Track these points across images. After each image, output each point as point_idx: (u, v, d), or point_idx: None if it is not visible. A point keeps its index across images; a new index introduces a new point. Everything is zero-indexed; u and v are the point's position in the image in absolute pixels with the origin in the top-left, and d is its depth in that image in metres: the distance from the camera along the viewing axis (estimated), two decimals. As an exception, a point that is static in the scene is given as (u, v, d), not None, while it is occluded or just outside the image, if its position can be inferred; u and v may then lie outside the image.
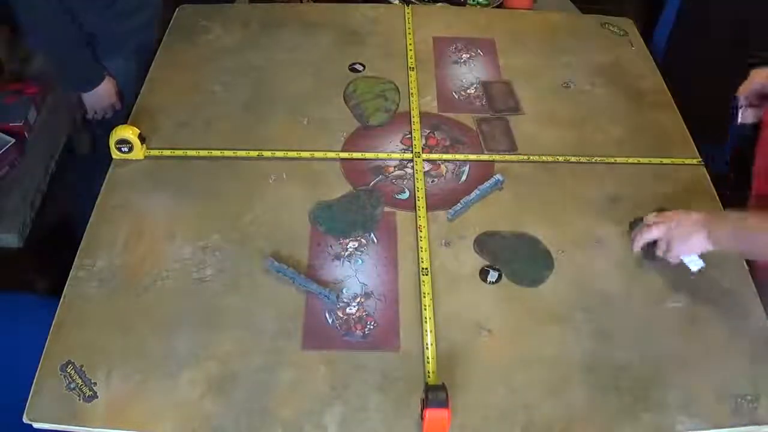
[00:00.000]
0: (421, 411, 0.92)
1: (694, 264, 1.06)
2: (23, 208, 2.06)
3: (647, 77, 1.54)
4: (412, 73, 1.49)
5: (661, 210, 1.13)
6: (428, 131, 1.37)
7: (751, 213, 1.08)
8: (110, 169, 1.26)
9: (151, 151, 1.28)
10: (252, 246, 1.14)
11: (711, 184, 1.28)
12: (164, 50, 1.54)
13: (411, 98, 1.43)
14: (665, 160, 1.32)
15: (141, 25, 1.59)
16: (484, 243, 1.16)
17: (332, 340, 1.02)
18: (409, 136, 1.35)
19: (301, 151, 1.30)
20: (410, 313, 1.06)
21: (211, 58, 1.52)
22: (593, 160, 1.31)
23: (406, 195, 1.24)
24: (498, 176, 1.25)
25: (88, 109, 1.61)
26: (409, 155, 1.31)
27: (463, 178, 1.28)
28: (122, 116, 1.55)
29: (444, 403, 0.90)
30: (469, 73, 1.51)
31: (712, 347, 1.04)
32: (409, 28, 1.61)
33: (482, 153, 1.32)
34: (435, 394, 0.91)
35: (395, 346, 1.02)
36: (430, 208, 1.21)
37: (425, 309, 1.06)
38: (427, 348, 1.01)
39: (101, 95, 1.56)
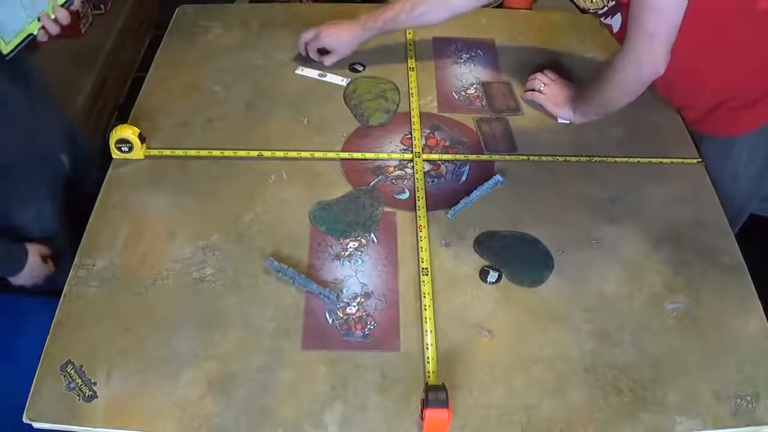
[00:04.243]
0: (421, 411, 0.92)
1: (562, 120, 1.39)
2: (23, 208, 2.07)
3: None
4: (412, 73, 1.49)
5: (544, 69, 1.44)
6: (428, 131, 1.37)
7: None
8: (110, 169, 1.26)
9: (151, 151, 1.28)
10: (252, 246, 1.14)
11: (711, 184, 1.28)
12: (164, 50, 1.54)
13: (411, 98, 1.43)
14: (665, 160, 1.32)
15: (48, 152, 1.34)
16: (484, 243, 1.16)
17: (332, 340, 1.02)
18: (409, 136, 1.35)
19: (301, 151, 1.30)
20: (410, 313, 1.06)
21: (211, 58, 1.51)
22: (593, 160, 1.31)
23: (406, 195, 1.24)
24: (498, 176, 1.25)
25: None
26: (409, 155, 1.31)
27: (463, 178, 1.28)
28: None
29: (444, 403, 0.90)
30: (469, 73, 1.51)
31: (712, 347, 1.04)
32: (409, 29, 1.61)
33: (482, 153, 1.32)
34: (435, 394, 0.91)
35: (395, 346, 1.02)
36: (430, 208, 1.21)
37: (425, 309, 1.06)
38: (427, 348, 1.01)
39: (30, 273, 1.29)
